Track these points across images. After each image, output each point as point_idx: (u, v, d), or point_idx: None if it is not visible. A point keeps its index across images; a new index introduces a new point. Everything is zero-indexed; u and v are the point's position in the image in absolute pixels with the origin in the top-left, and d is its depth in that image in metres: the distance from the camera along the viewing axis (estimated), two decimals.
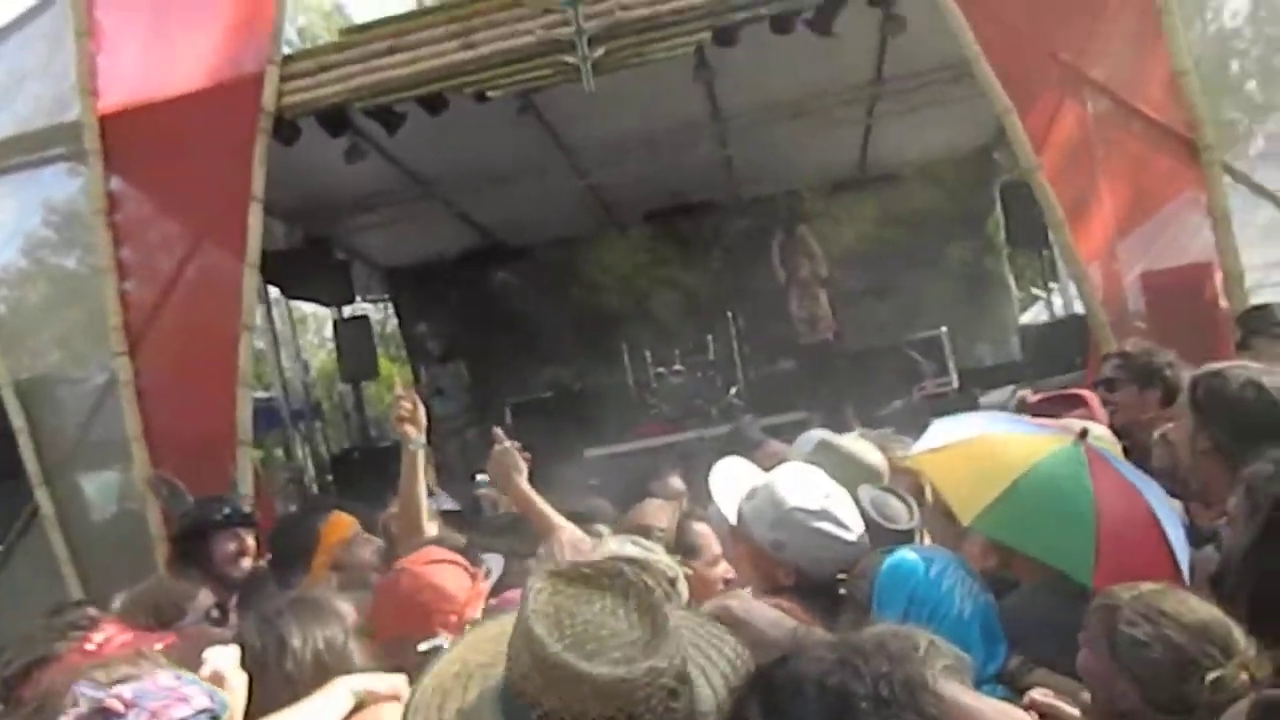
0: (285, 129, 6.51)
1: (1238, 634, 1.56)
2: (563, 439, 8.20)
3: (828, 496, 2.00)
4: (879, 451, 2.69)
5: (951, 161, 10.62)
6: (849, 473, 2.28)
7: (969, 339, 10.36)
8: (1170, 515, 1.89)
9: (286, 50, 6.69)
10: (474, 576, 2.29)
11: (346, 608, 2.10)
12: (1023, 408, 3.32)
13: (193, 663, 1.65)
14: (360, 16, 14.34)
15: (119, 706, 1.30)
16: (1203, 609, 1.60)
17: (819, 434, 2.85)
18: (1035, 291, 12.44)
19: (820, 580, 1.89)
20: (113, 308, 6.37)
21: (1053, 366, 7.30)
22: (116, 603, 2.88)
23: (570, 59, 6.27)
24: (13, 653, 2.29)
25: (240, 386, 6.30)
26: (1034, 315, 12.29)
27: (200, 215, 6.46)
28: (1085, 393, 3.11)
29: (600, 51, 6.26)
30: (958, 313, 10.02)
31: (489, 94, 6.53)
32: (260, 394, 9.79)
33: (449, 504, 3.93)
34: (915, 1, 6.37)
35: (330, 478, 10.09)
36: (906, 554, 1.92)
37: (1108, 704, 1.64)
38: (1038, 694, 1.59)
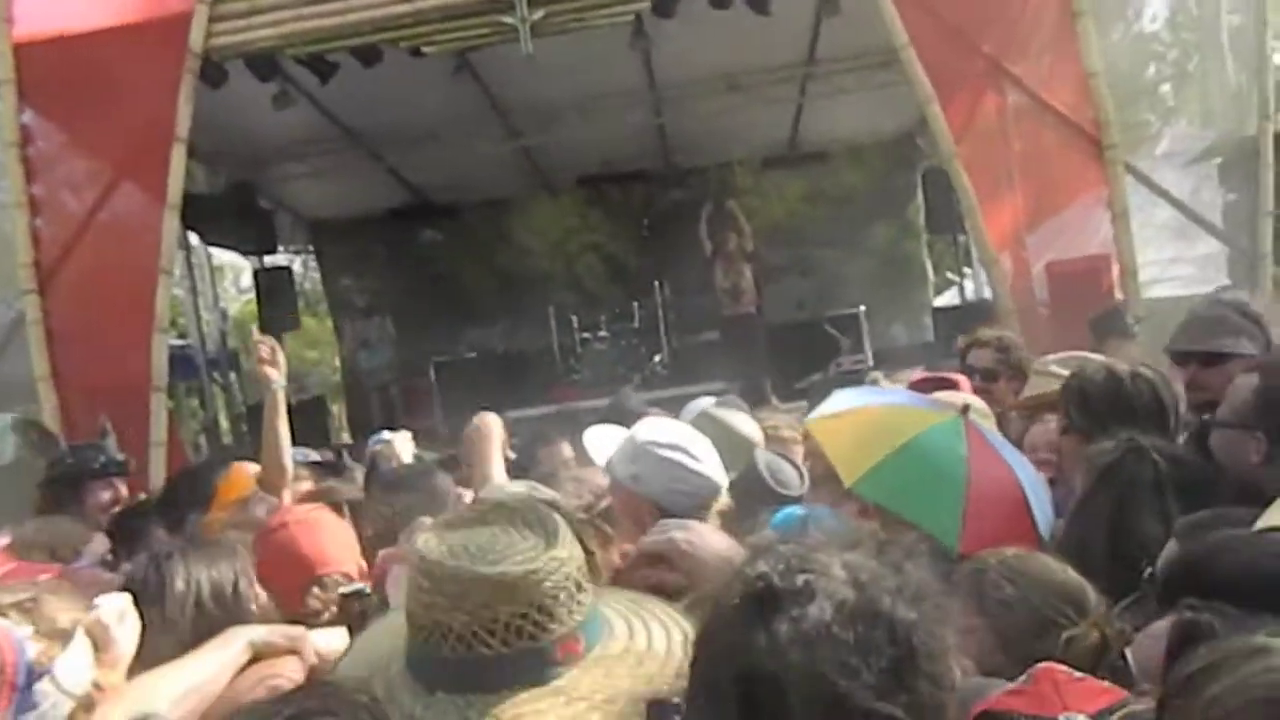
0: (212, 71, 6.36)
1: (1092, 595, 1.67)
2: (486, 400, 8.22)
3: (682, 435, 2.10)
4: (754, 424, 2.87)
5: (877, 145, 10.91)
6: (726, 442, 2.40)
7: (885, 319, 10.70)
8: (1036, 488, 2.06)
9: None
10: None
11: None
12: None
13: (85, 605, 1.61)
14: None
15: None
16: (1061, 572, 1.71)
17: (702, 403, 2.98)
18: (950, 276, 12.86)
19: (679, 516, 1.85)
20: (23, 244, 6.18)
21: None
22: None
23: (509, 19, 6.26)
24: None
25: (157, 331, 6.20)
26: (948, 299, 12.71)
27: (120, 154, 6.30)
28: (958, 376, 3.19)
29: (539, 14, 6.27)
30: (876, 293, 10.35)
31: (425, 50, 6.48)
32: (175, 341, 9.55)
33: (315, 456, 3.90)
34: None
35: (246, 429, 9.93)
36: (796, 509, 2.07)
37: (975, 661, 1.80)
38: None
